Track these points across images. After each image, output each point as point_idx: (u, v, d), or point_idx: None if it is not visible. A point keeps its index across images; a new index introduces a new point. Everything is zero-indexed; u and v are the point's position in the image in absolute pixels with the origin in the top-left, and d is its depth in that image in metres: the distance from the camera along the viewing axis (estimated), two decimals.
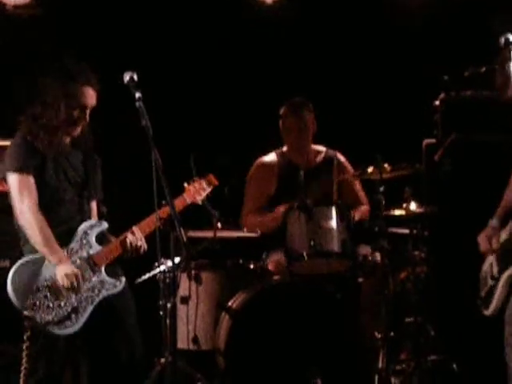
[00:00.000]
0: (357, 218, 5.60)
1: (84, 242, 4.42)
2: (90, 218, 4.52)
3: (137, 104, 4.10)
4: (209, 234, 5.43)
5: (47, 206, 4.41)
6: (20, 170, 4.37)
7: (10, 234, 4.62)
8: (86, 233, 4.43)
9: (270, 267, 5.57)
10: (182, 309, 5.28)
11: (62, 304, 4.32)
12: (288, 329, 5.17)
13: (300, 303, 5.22)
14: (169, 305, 4.47)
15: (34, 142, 4.39)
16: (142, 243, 4.45)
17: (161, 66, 6.28)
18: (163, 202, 4.17)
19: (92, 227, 4.45)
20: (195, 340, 5.29)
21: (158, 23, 6.33)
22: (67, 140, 4.49)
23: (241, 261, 5.56)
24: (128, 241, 4.41)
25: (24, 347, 4.28)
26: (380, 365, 5.22)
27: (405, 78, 6.31)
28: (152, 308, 4.70)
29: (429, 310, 5.49)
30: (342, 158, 5.91)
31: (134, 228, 4.45)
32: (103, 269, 4.39)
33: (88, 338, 4.44)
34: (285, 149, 5.91)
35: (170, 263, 4.62)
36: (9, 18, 5.98)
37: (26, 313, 4.27)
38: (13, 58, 5.90)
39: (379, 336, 5.29)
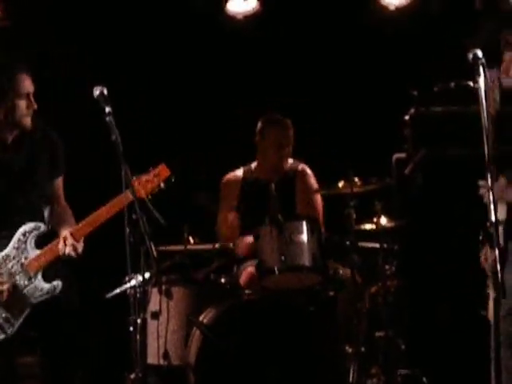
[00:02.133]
0: None
1: (21, 247, 4.35)
2: (36, 220, 4.41)
3: (107, 119, 4.08)
4: (179, 247, 5.43)
5: None
6: None
7: None
8: (23, 238, 4.36)
9: (242, 280, 5.56)
10: (152, 324, 5.26)
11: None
12: (259, 344, 5.15)
13: (271, 318, 5.21)
14: (139, 320, 4.44)
15: None
16: (76, 248, 4.31)
17: (136, 79, 6.28)
18: (133, 217, 4.13)
19: (30, 231, 4.36)
20: (166, 355, 5.26)
21: (135, 35, 6.33)
22: (15, 135, 4.43)
23: (212, 275, 5.55)
24: (60, 247, 4.32)
25: None
26: (351, 379, 5.22)
27: (374, 93, 6.35)
28: (122, 323, 4.67)
29: (399, 324, 5.51)
30: (306, 169, 5.90)
31: (67, 233, 4.33)
32: (39, 274, 4.33)
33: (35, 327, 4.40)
34: (254, 165, 5.91)
35: (140, 278, 4.60)
36: None
37: None
38: None
39: (350, 350, 5.29)
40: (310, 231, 5.32)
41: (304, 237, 5.31)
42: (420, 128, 4.94)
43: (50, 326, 4.39)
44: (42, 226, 4.39)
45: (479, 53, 3.94)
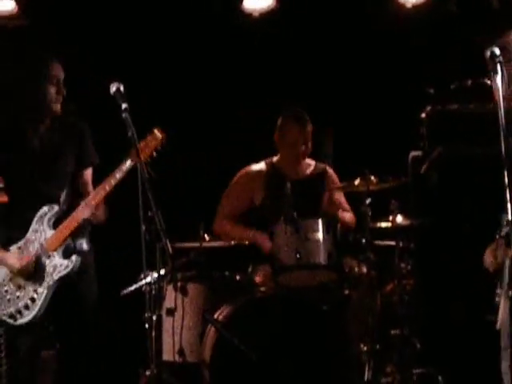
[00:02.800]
0: (347, 220, 5.63)
1: (39, 229, 4.52)
2: (53, 203, 4.56)
3: (123, 115, 4.10)
4: (194, 244, 5.43)
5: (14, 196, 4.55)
6: None
7: None
8: (40, 220, 4.53)
9: (258, 279, 5.56)
10: (167, 321, 5.26)
11: (21, 295, 4.45)
12: (274, 341, 5.15)
13: (286, 315, 5.21)
14: (154, 317, 4.46)
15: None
16: (93, 212, 4.47)
17: (150, 76, 6.29)
18: (149, 214, 4.14)
19: (45, 213, 4.53)
20: (181, 352, 5.27)
21: (146, 34, 6.34)
22: (46, 123, 4.56)
23: (227, 272, 5.55)
24: (79, 213, 4.46)
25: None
26: (366, 377, 5.21)
27: (391, 91, 6.33)
28: (138, 320, 4.68)
29: (415, 323, 5.50)
30: (330, 171, 5.90)
31: (83, 200, 4.49)
32: (56, 253, 4.48)
33: (54, 322, 4.55)
34: (275, 159, 5.90)
35: (155, 275, 4.62)
36: None
37: None
38: None
39: (365, 348, 5.29)
40: (326, 229, 5.32)
41: (319, 235, 5.31)
42: (436, 126, 4.93)
43: (68, 322, 4.49)
44: (56, 207, 4.54)
45: (496, 50, 3.93)
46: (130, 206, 4.27)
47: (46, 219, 4.52)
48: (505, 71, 3.97)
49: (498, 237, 4.18)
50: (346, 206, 5.89)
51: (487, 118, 4.30)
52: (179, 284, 5.31)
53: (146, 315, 4.50)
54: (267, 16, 6.32)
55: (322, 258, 5.28)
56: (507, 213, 3.73)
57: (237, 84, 6.51)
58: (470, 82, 4.38)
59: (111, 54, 6.20)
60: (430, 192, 5.62)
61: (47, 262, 4.48)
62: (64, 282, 4.49)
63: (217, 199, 5.85)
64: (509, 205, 3.71)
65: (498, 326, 4.25)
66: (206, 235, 5.50)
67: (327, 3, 6.37)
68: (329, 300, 5.35)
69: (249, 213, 5.84)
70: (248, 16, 6.33)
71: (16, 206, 4.59)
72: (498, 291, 4.27)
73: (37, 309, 4.46)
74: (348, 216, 5.77)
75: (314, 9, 6.36)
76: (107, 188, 4.44)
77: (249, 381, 5.12)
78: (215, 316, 5.27)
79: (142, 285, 4.81)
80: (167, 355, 5.22)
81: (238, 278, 5.53)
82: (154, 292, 4.62)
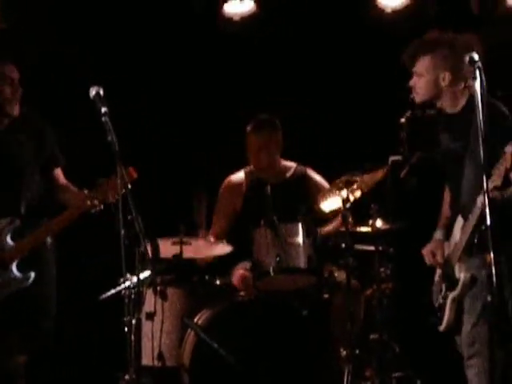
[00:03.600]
0: (333, 228, 5.64)
1: None
2: (14, 208, 4.54)
3: (102, 119, 4.09)
4: (175, 249, 5.42)
5: None
6: None
7: None
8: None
9: (235, 281, 5.55)
10: (147, 325, 5.24)
11: None
12: (253, 346, 5.15)
13: (266, 320, 5.21)
14: (134, 321, 4.44)
15: None
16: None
17: (132, 79, 6.29)
18: (129, 218, 4.13)
19: (4, 227, 4.49)
20: (160, 356, 5.25)
21: (132, 37, 6.33)
22: (5, 123, 4.52)
23: (207, 277, 5.55)
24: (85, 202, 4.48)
25: None
26: (345, 381, 5.21)
27: (371, 96, 6.35)
28: (117, 324, 4.67)
29: (394, 327, 5.51)
30: (313, 173, 5.90)
31: (45, 225, 4.53)
32: (13, 266, 4.46)
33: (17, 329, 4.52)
34: (253, 166, 5.92)
35: (135, 279, 4.60)
36: None
37: None
38: None
39: (344, 353, 5.29)
40: (306, 233, 5.33)
41: (299, 239, 5.32)
42: (415, 131, 4.95)
43: (30, 327, 4.49)
44: (17, 221, 4.52)
45: (475, 56, 3.95)
46: (109, 210, 4.27)
47: (5, 232, 4.48)
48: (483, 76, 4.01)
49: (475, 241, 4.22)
50: None
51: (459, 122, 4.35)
52: (159, 288, 5.27)
53: (126, 319, 4.49)
54: (248, 20, 6.33)
55: (301, 262, 5.28)
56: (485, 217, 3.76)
57: (217, 88, 6.50)
58: None
59: (90, 58, 6.17)
60: (409, 196, 5.64)
61: (2, 273, 4.45)
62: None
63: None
64: (487, 209, 3.74)
65: (442, 328, 4.29)
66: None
67: (307, 9, 6.38)
68: (308, 304, 5.36)
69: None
70: (229, 20, 6.33)
71: None
72: (442, 293, 4.31)
73: None
74: (332, 226, 5.75)
75: (294, 13, 6.37)
76: (73, 217, 4.46)
77: None
78: (195, 320, 5.26)
79: (122, 289, 4.79)
80: (146, 359, 5.21)
81: (217, 282, 5.53)
82: (133, 296, 4.60)
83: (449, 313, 4.29)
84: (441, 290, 4.39)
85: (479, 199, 3.97)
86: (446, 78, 4.34)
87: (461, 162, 4.26)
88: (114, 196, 4.40)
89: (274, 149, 5.79)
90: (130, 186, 4.31)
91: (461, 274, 4.21)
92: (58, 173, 4.71)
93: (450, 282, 4.29)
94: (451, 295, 4.27)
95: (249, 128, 5.82)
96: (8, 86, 4.45)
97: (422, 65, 4.40)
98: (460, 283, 4.21)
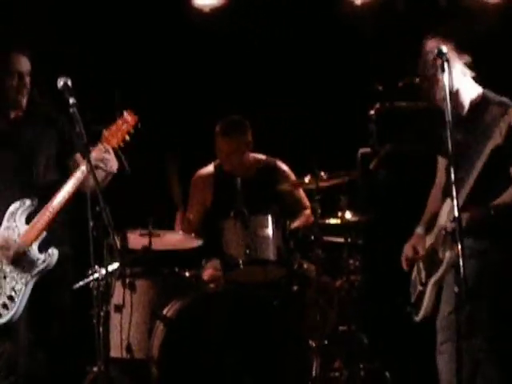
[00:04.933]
0: (301, 223, 5.64)
1: (12, 226, 4.37)
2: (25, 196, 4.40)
3: (70, 110, 4.07)
4: (144, 241, 5.40)
5: None
6: None
7: None
8: (11, 217, 4.38)
9: (206, 274, 5.56)
10: (115, 317, 5.23)
11: None
12: (223, 337, 5.16)
13: (235, 312, 5.22)
14: (102, 313, 4.42)
15: None
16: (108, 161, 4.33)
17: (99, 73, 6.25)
18: (97, 209, 4.10)
19: (17, 209, 4.38)
20: (129, 348, 5.24)
21: (97, 30, 6.30)
22: (18, 112, 4.41)
23: (176, 269, 5.54)
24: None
25: None
26: (314, 373, 5.24)
27: (340, 88, 6.36)
28: (85, 316, 4.65)
29: (362, 319, 5.54)
30: (282, 165, 5.91)
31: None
32: (32, 247, 4.34)
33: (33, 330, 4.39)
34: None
35: (103, 271, 4.58)
36: None
37: None
38: None
39: (313, 344, 5.31)
40: (275, 225, 5.34)
41: (269, 231, 5.33)
42: (385, 123, 4.97)
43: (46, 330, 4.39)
44: (27, 201, 4.38)
45: (444, 49, 3.97)
46: (77, 201, 4.24)
47: (18, 214, 4.37)
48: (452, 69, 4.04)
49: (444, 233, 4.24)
50: (306, 201, 5.90)
51: (430, 115, 4.37)
52: (128, 280, 5.28)
53: (94, 311, 4.47)
54: (218, 12, 6.31)
55: (271, 253, 5.29)
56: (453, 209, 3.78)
57: (185, 80, 6.49)
58: (418, 79, 4.43)
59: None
60: (379, 188, 5.66)
61: (23, 258, 4.34)
62: (41, 280, 4.35)
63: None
64: (455, 201, 3.76)
65: (419, 317, 4.33)
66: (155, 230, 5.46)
67: (277, 0, 6.38)
68: (278, 296, 5.37)
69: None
70: (198, 11, 6.32)
71: None
72: (423, 281, 4.34)
73: (15, 308, 4.30)
74: (299, 222, 5.76)
75: (264, 5, 6.37)
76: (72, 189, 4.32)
77: (197, 377, 5.12)
78: (164, 312, 5.25)
79: (90, 281, 4.77)
80: (115, 352, 5.19)
81: (187, 274, 5.52)
82: (101, 288, 4.58)
83: (427, 300, 4.31)
84: (420, 281, 4.40)
85: (468, 182, 4.00)
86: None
87: (466, 152, 4.21)
88: (119, 142, 4.33)
89: (243, 151, 5.80)
90: (132, 131, 4.33)
91: (446, 254, 4.21)
92: (78, 159, 4.51)
93: (433, 266, 4.29)
94: (432, 279, 4.28)
95: (217, 131, 5.78)
96: (14, 79, 4.35)
97: None
98: (444, 263, 4.21)
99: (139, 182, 6.23)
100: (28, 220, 4.39)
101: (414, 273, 4.47)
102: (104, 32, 6.31)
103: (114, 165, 4.35)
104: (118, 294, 5.25)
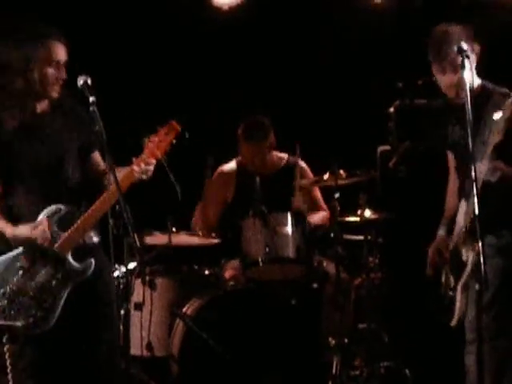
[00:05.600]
0: (316, 222, 5.63)
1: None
2: (59, 202, 4.20)
3: (90, 108, 4.04)
4: (163, 239, 5.42)
5: (11, 191, 4.22)
6: None
7: None
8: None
9: (226, 275, 5.57)
10: (135, 315, 5.24)
11: (32, 304, 4.13)
12: (242, 335, 5.16)
13: (254, 310, 5.22)
14: (122, 311, 4.43)
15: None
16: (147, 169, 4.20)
17: (123, 71, 6.26)
18: (117, 208, 4.08)
19: (52, 215, 4.17)
20: (149, 346, 5.26)
21: (120, 28, 6.30)
22: (44, 105, 4.25)
23: (196, 267, 5.55)
24: (135, 170, 4.14)
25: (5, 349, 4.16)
26: (334, 371, 5.23)
27: (359, 86, 6.34)
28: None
29: (382, 317, 5.52)
30: (303, 164, 5.91)
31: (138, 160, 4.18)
32: (69, 257, 4.15)
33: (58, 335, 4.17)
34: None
35: (123, 269, 4.60)
36: None
37: None
38: None
39: (333, 342, 5.30)
40: (295, 223, 5.34)
41: (288, 229, 5.33)
42: (404, 121, 4.95)
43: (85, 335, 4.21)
44: (63, 208, 4.18)
45: (464, 45, 3.95)
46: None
47: (53, 221, 4.15)
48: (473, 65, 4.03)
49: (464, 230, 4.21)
50: (321, 202, 5.90)
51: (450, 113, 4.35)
52: (147, 278, 5.30)
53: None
54: (236, 10, 6.32)
55: (290, 251, 5.29)
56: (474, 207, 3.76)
57: (206, 78, 6.49)
58: (420, 80, 4.43)
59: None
60: (398, 186, 5.64)
61: (59, 267, 4.13)
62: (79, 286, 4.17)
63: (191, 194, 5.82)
64: (475, 199, 3.73)
65: (453, 322, 4.28)
66: (174, 228, 5.47)
67: None
68: (297, 294, 5.37)
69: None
70: (217, 10, 6.32)
71: (18, 205, 4.23)
72: (452, 285, 4.29)
73: (53, 318, 4.11)
74: (317, 217, 5.76)
75: (282, 3, 6.37)
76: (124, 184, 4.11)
77: (217, 375, 5.13)
78: (183, 310, 5.26)
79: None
80: (135, 349, 5.19)
81: (206, 272, 5.53)
82: (122, 286, 4.59)
83: (459, 305, 4.25)
84: (449, 287, 4.34)
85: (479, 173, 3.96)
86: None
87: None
88: (163, 152, 4.17)
89: (267, 152, 5.82)
90: (174, 141, 4.18)
91: (468, 255, 4.17)
92: (97, 157, 4.38)
93: (459, 269, 4.25)
94: (461, 283, 4.22)
95: (240, 134, 5.79)
96: (52, 69, 4.15)
97: None
98: (468, 265, 4.16)
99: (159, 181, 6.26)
100: (63, 226, 4.17)
101: (443, 277, 4.39)
102: (123, 32, 6.32)
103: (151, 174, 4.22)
104: (138, 292, 5.26)
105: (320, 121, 6.48)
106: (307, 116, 6.49)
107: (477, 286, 3.72)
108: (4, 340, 4.04)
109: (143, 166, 4.16)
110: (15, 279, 4.15)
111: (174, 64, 6.47)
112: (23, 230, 4.14)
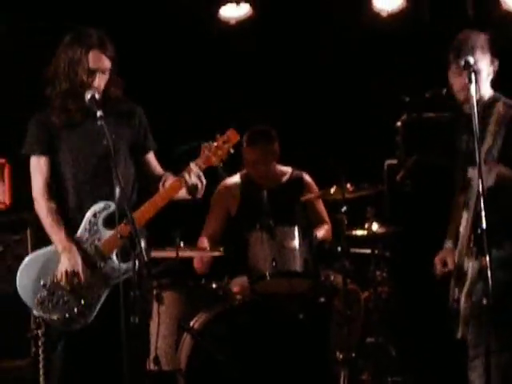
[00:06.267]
0: (320, 236, 5.63)
1: (93, 228, 4.18)
2: (106, 199, 4.17)
3: (98, 123, 4.04)
4: (171, 253, 5.41)
5: (61, 187, 4.23)
6: (31, 151, 4.23)
7: None
8: (93, 219, 4.18)
9: (235, 290, 5.55)
10: None
11: (70, 299, 4.13)
12: (249, 350, 5.15)
13: (262, 324, 5.20)
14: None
15: (49, 115, 4.23)
16: (201, 177, 4.17)
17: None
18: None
19: (100, 211, 4.17)
20: (156, 360, 5.24)
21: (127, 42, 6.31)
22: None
23: (203, 281, 5.54)
24: (187, 179, 4.13)
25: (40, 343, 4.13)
26: None
27: (367, 99, 6.35)
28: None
29: (390, 331, 5.51)
30: (308, 178, 5.91)
31: (192, 165, 4.16)
32: (114, 254, 4.14)
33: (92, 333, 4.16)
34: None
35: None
36: None
37: (35, 312, 4.17)
38: None
39: (341, 356, 5.29)
40: (302, 237, 5.33)
41: (296, 242, 5.32)
42: (411, 134, 4.95)
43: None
44: (112, 205, 4.13)
45: (471, 59, 3.96)
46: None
47: (100, 218, 4.16)
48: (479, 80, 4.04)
49: (446, 245, 4.22)
50: (325, 216, 5.90)
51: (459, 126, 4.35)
52: (155, 292, 5.29)
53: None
54: (244, 24, 6.34)
55: (298, 265, 5.28)
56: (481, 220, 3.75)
57: (213, 92, 6.51)
58: (445, 90, 4.42)
59: None
60: (405, 200, 5.64)
61: (102, 264, 4.14)
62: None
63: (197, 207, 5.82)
64: (482, 213, 3.73)
65: (458, 335, 4.25)
66: (181, 242, 5.47)
67: (303, 12, 6.38)
68: (305, 308, 5.35)
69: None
70: (225, 24, 6.35)
71: (67, 201, 4.22)
72: (456, 297, 4.27)
73: (91, 316, 4.11)
74: (322, 232, 5.75)
75: (291, 17, 6.38)
76: (174, 193, 4.15)
77: None
78: (191, 324, 5.26)
79: None
80: None
81: (213, 286, 5.52)
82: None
83: (462, 317, 4.23)
84: (453, 299, 4.32)
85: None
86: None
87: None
88: (219, 160, 4.16)
89: (270, 160, 5.80)
90: (232, 151, 4.18)
91: (469, 265, 4.16)
92: (151, 158, 4.38)
93: (462, 280, 4.24)
94: (463, 294, 4.21)
95: (244, 141, 5.78)
96: (85, 76, 4.16)
97: None
98: (468, 275, 4.16)
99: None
100: (109, 224, 4.14)
101: (451, 292, 4.37)
102: (130, 47, 6.34)
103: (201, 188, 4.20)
104: None
105: (327, 134, 6.48)
106: (314, 129, 6.50)
107: (484, 301, 3.71)
108: (39, 333, 4.05)
109: (195, 170, 4.13)
110: (56, 272, 4.15)
111: (179, 78, 6.49)
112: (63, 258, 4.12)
